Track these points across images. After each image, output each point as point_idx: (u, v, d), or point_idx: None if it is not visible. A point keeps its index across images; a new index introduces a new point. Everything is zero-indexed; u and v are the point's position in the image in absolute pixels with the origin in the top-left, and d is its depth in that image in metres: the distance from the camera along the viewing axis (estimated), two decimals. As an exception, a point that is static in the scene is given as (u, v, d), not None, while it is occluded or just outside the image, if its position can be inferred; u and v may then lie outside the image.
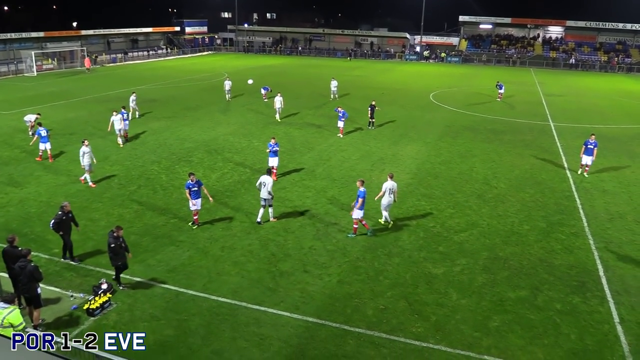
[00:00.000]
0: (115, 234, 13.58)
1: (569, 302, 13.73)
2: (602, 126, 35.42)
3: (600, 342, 12.13)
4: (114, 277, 14.01)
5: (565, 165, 25.87)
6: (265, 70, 63.13)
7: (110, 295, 13.15)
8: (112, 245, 13.48)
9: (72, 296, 13.34)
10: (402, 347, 11.81)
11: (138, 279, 14.35)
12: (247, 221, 18.41)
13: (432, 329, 12.51)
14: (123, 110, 28.94)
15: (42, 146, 24.72)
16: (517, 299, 13.91)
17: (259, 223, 18.08)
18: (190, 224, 17.88)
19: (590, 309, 13.46)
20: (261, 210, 18.15)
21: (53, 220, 14.83)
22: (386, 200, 17.89)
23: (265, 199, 17.89)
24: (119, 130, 27.73)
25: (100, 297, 12.81)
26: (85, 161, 21.25)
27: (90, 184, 21.56)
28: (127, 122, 28.97)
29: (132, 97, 34.77)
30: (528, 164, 26.10)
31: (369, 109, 32.77)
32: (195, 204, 17.53)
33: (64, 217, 14.83)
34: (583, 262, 16.03)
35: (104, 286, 13.24)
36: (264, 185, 17.63)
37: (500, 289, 14.34)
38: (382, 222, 18.34)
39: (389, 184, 17.80)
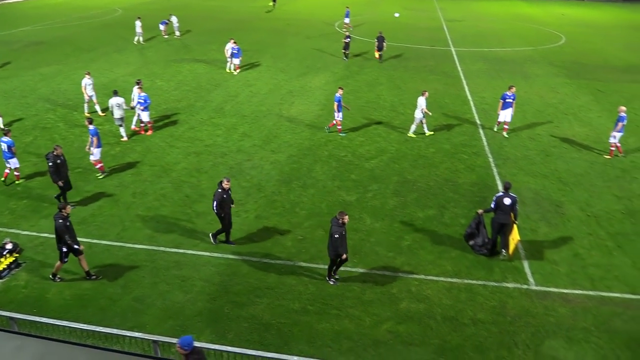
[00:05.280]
0: (340, 221, 11.34)
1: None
2: (499, 49, 37.06)
3: (500, 250, 13.27)
4: (332, 273, 12.05)
5: (466, 89, 27.06)
6: (164, 4, 59.43)
7: (18, 255, 12.52)
8: (337, 235, 11.29)
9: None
10: (322, 273, 12.31)
11: (46, 235, 13.71)
12: (157, 165, 17.89)
13: (349, 253, 13.02)
14: None
15: None
16: (425, 218, 14.79)
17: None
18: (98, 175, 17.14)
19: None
20: (122, 129, 19.77)
21: (215, 202, 12.68)
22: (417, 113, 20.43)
23: (120, 119, 19.22)
24: (91, 97, 22.29)
25: (6, 258, 12.17)
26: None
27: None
28: None
29: None
30: (432, 89, 26.94)
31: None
32: (93, 154, 16.78)
33: (224, 196, 12.72)
34: (484, 179, 17.20)
35: (9, 246, 12.54)
36: (118, 107, 18.71)
37: (410, 210, 15.15)
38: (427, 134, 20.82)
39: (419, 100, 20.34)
